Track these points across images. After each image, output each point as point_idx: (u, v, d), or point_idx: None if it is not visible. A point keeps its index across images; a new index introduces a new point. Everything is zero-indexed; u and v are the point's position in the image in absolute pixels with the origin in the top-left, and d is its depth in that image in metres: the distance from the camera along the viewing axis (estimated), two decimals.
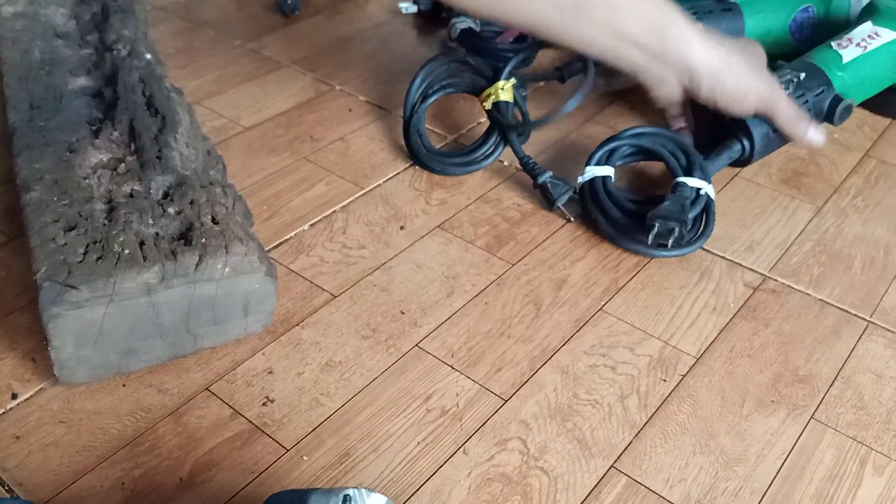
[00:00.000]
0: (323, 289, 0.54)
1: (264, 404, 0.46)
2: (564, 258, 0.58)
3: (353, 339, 0.51)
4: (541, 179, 0.61)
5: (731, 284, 0.56)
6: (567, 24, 0.54)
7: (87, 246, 0.43)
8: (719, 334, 0.52)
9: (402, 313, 0.53)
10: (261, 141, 0.69)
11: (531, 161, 0.63)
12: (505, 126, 0.65)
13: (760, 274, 0.57)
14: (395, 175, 0.65)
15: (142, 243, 0.44)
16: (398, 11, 0.90)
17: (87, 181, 0.49)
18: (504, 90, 0.65)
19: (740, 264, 0.58)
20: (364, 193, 0.63)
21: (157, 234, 0.45)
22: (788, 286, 0.56)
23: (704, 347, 0.51)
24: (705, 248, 0.59)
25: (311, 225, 0.60)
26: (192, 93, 0.74)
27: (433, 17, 0.88)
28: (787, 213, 0.63)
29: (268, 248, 0.57)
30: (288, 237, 0.59)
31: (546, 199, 0.62)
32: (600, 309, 0.54)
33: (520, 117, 0.66)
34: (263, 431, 0.44)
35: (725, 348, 0.51)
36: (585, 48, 0.57)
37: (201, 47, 0.83)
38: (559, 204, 0.61)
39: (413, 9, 0.85)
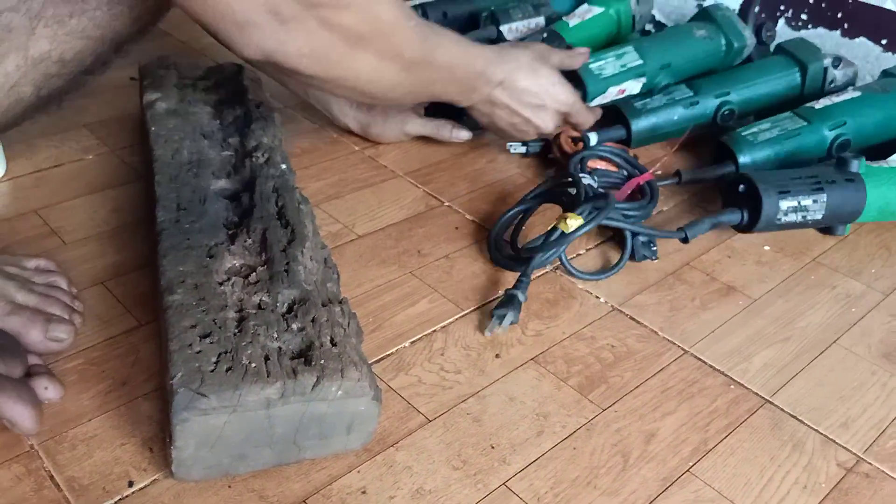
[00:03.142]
0: (419, 411, 0.56)
1: None
2: (655, 409, 0.59)
3: (443, 468, 0.52)
4: (510, 291, 0.65)
5: (823, 462, 0.55)
6: (398, 92, 0.70)
7: (219, 355, 0.47)
8: None
9: (493, 448, 0.54)
10: (372, 251, 0.73)
11: (525, 280, 0.66)
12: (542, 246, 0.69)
13: (854, 454, 0.56)
14: (494, 299, 0.68)
15: (266, 358, 0.48)
16: None
17: (222, 287, 0.53)
18: (570, 220, 0.69)
19: (834, 441, 0.57)
20: (463, 315, 0.66)
21: (280, 348, 0.49)
22: (883, 472, 0.55)
23: None
24: (800, 418, 0.59)
25: (412, 342, 0.63)
26: (313, 195, 0.80)
27: (542, 158, 0.90)
28: (886, 390, 0.62)
29: (371, 363, 0.60)
30: (389, 352, 0.61)
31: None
32: (688, 470, 0.54)
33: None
34: None
35: None
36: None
37: (325, 149, 0.89)
38: (495, 318, 0.63)
39: (521, 150, 0.87)
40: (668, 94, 0.88)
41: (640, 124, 0.87)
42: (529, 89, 0.77)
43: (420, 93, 0.73)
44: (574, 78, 0.87)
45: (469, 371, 0.60)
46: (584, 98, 0.88)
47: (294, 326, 0.51)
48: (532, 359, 0.62)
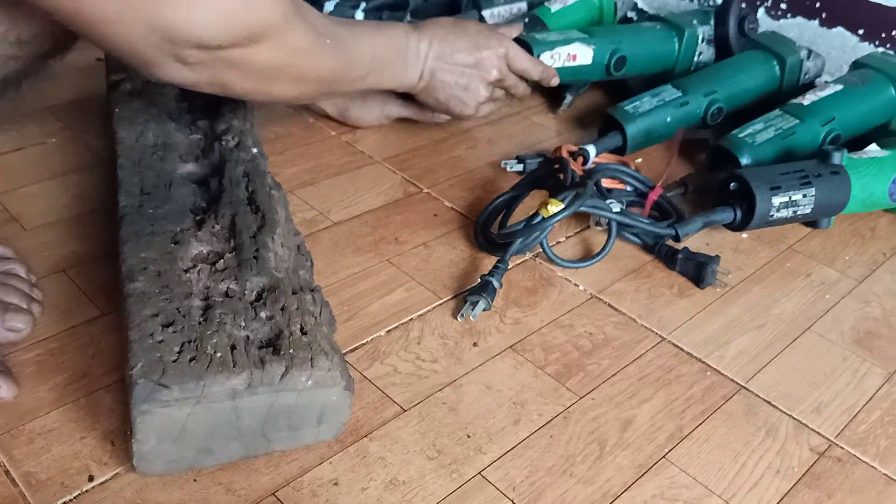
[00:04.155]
0: (394, 401, 0.55)
1: None
2: (632, 397, 0.58)
3: (418, 458, 0.51)
4: (483, 278, 0.65)
5: (796, 447, 0.55)
6: (326, 95, 0.73)
7: (183, 345, 0.45)
8: (781, 500, 0.51)
9: (468, 437, 0.53)
10: (348, 238, 0.71)
11: (502, 266, 0.66)
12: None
13: (827, 439, 0.56)
14: (472, 288, 0.67)
15: (233, 347, 0.46)
16: (491, 115, 0.92)
17: (187, 275, 0.51)
18: (551, 206, 0.68)
19: (807, 426, 0.57)
20: (441, 304, 0.65)
21: (248, 337, 0.47)
22: (854, 456, 0.55)
23: None
24: (774, 403, 0.58)
25: (388, 331, 0.61)
26: (287, 181, 0.78)
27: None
28: (858, 376, 0.62)
29: (344, 351, 0.59)
30: (364, 342, 0.60)
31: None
32: (663, 457, 0.53)
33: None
34: None
35: None
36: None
37: (300, 134, 0.87)
38: (468, 304, 0.63)
39: (518, 167, 0.83)
40: (656, 95, 0.87)
41: (634, 129, 0.84)
42: (458, 42, 0.76)
43: (355, 89, 0.72)
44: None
45: (446, 360, 0.59)
46: None
47: (263, 315, 0.49)
48: (510, 347, 0.61)
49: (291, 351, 0.46)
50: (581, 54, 0.89)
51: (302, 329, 0.48)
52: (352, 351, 0.59)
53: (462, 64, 0.77)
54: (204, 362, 0.44)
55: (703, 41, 0.95)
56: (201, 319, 0.48)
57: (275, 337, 0.48)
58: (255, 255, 0.53)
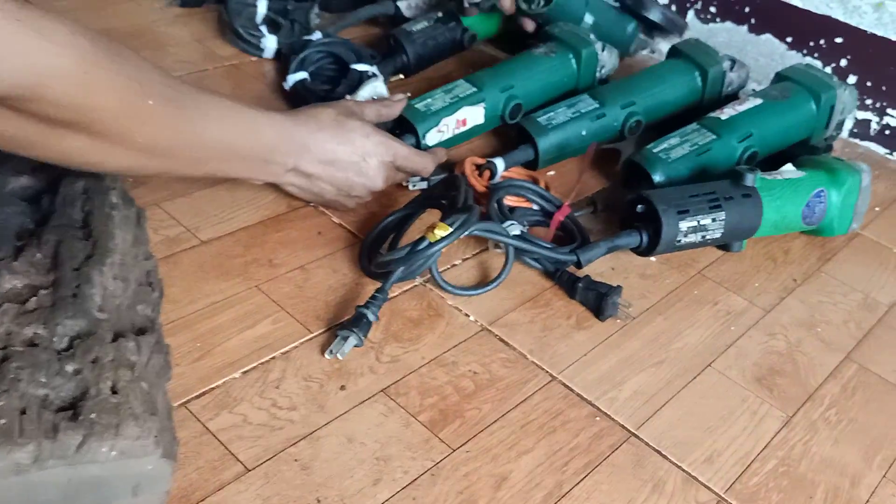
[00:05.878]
0: (237, 458, 0.49)
1: None
2: (511, 448, 0.53)
3: None
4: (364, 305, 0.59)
5: None
6: (154, 170, 0.57)
7: None
8: None
9: (318, 501, 0.47)
10: (215, 260, 0.64)
11: (380, 297, 0.60)
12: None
13: (716, 494, 0.52)
14: (345, 321, 0.60)
15: (23, 411, 0.39)
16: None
17: None
18: (438, 230, 0.61)
19: (697, 479, 0.53)
20: (310, 339, 0.59)
21: (46, 397, 0.40)
22: None
23: None
24: (664, 453, 0.54)
25: (244, 373, 0.55)
26: (154, 191, 0.70)
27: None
28: (756, 419, 0.58)
29: (188, 399, 0.52)
30: (214, 385, 0.53)
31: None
32: None
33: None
34: None
35: None
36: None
37: None
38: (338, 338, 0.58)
39: (422, 185, 0.76)
40: (572, 106, 0.81)
41: (547, 142, 0.78)
42: (339, 149, 0.66)
43: (190, 172, 0.61)
44: (403, 123, 0.78)
45: (306, 407, 0.53)
46: (418, 139, 0.78)
47: (69, 368, 0.42)
48: (382, 390, 0.55)
49: (93, 416, 0.39)
50: (471, 116, 0.81)
51: (113, 387, 0.42)
52: (197, 397, 0.52)
53: (343, 171, 0.67)
54: None
55: (603, 51, 0.89)
56: None
57: (79, 397, 0.41)
58: (74, 293, 0.46)
